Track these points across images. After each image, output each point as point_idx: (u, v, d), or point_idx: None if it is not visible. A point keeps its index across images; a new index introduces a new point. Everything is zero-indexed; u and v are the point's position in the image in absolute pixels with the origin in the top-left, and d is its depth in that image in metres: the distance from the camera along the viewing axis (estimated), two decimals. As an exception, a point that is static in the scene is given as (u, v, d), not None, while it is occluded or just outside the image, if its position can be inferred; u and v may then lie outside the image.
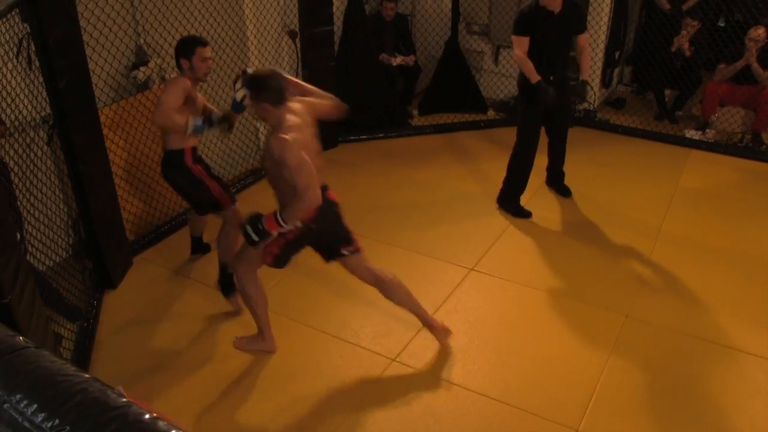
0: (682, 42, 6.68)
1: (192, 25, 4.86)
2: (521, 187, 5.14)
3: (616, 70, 7.63)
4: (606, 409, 3.29)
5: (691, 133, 6.54)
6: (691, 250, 4.65)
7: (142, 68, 4.65)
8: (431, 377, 3.53)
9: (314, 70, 5.93)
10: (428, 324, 3.67)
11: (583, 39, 4.83)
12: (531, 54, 4.63)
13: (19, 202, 3.42)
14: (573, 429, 3.18)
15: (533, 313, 4.06)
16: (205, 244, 4.61)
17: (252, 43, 5.66)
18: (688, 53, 6.73)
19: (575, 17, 4.72)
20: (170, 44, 4.73)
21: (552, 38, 4.64)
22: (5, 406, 0.89)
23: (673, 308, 4.05)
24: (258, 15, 5.66)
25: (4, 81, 3.33)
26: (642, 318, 3.96)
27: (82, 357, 3.60)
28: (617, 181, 5.70)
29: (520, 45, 4.63)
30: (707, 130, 6.49)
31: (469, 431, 3.18)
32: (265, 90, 3.08)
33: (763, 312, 4.00)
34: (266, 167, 3.30)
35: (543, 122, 4.98)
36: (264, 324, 3.64)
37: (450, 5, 6.93)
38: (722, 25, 7.27)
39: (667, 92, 7.12)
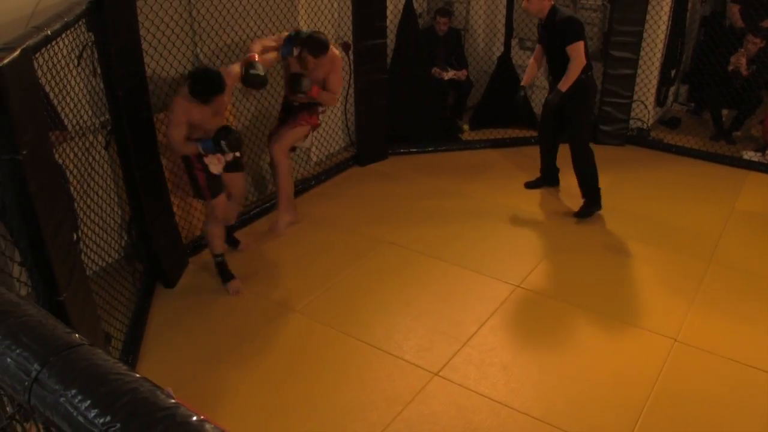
0: (740, 60, 6.52)
1: (248, 35, 4.95)
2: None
3: (672, 89, 7.49)
4: (652, 434, 3.22)
5: (750, 155, 6.37)
6: (745, 275, 4.52)
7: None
8: (473, 393, 3.50)
9: (366, 83, 5.98)
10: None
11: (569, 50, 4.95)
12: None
13: (76, 204, 3.52)
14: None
15: (579, 333, 4.00)
16: (232, 237, 4.80)
17: (306, 54, 5.73)
18: (745, 72, 6.56)
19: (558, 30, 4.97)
20: (226, 54, 4.84)
21: (546, 46, 5.13)
22: (61, 399, 0.92)
23: (725, 333, 3.94)
24: (312, 27, 5.74)
25: (68, 87, 3.44)
26: (692, 342, 3.86)
27: (131, 357, 3.68)
28: (671, 201, 5.59)
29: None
30: (767, 152, 6.32)
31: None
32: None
33: (820, 341, 3.86)
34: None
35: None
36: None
37: (503, 21, 6.92)
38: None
39: (725, 112, 6.96)
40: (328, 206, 5.49)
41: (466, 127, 7.08)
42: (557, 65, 5.06)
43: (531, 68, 5.37)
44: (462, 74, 6.81)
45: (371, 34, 5.87)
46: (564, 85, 4.94)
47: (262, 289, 4.36)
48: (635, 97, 6.75)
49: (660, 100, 7.23)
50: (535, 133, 6.95)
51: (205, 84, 3.74)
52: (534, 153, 5.84)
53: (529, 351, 3.83)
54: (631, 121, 6.83)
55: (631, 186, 5.81)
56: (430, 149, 6.62)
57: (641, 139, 6.84)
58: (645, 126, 6.93)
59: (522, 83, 5.42)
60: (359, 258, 4.71)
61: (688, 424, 3.28)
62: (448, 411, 3.37)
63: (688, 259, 4.69)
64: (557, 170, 5.76)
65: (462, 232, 5.07)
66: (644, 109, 6.93)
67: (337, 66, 4.68)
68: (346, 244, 4.91)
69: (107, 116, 3.99)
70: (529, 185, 5.82)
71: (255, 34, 5.01)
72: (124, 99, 3.86)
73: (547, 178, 5.81)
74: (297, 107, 4.77)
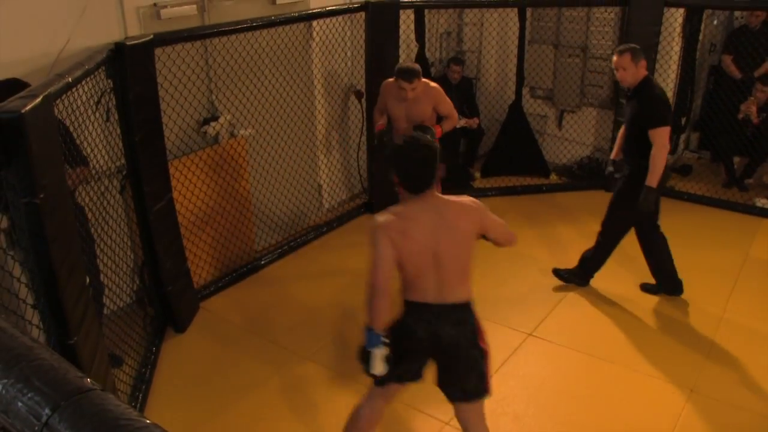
0: (750, 108, 6.55)
1: (262, 84, 5.04)
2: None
3: (683, 137, 7.52)
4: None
5: (763, 202, 6.35)
6: (761, 324, 4.46)
7: (213, 123, 4.83)
8: (485, 443, 3.44)
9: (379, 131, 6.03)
10: None
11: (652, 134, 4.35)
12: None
13: (96, 246, 3.56)
14: (633, 507, 3.05)
15: (593, 382, 3.95)
16: None
17: (320, 102, 5.82)
18: (755, 120, 6.58)
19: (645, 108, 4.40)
20: (240, 101, 4.92)
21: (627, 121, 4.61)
22: (72, 445, 0.92)
23: (741, 384, 3.88)
24: (326, 75, 5.84)
25: (86, 131, 3.51)
26: (708, 393, 3.79)
27: (139, 402, 3.66)
28: (683, 249, 5.53)
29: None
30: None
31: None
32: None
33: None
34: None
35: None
36: None
37: (515, 70, 7.01)
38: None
39: (737, 160, 6.96)
40: (339, 254, 5.49)
41: (477, 174, 7.11)
42: (627, 140, 4.55)
43: (619, 140, 4.73)
44: (474, 122, 6.87)
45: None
46: (653, 181, 4.26)
47: (275, 336, 4.34)
48: (647, 145, 6.76)
49: (672, 148, 7.24)
50: (546, 181, 6.99)
51: None
52: (548, 200, 5.82)
53: (542, 401, 3.77)
54: (643, 169, 6.83)
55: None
56: (441, 196, 6.62)
57: (653, 187, 6.83)
58: (659, 174, 6.93)
59: (612, 156, 4.85)
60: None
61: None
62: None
63: (701, 306, 4.64)
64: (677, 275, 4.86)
65: (473, 278, 5.02)
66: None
67: (437, 91, 4.69)
68: (355, 292, 4.88)
69: (123, 161, 4.05)
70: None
71: (270, 81, 5.10)
72: (140, 145, 3.92)
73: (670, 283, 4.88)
74: None
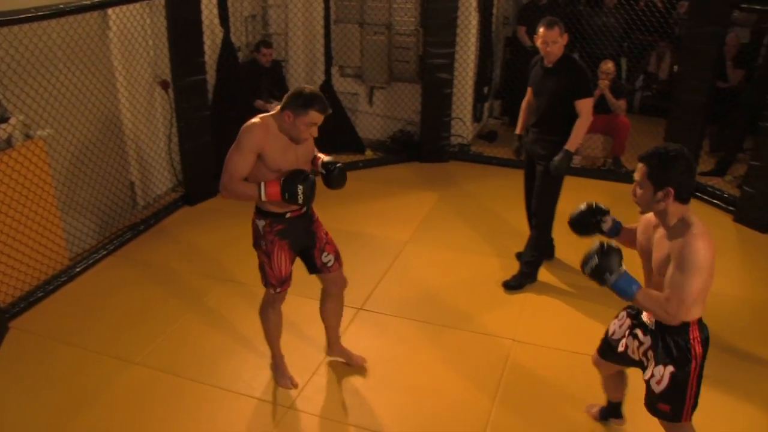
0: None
1: (57, 79, 4.68)
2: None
3: (486, 105, 7.97)
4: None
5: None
6: (574, 279, 4.88)
7: (3, 125, 4.42)
8: (328, 421, 3.50)
9: (189, 120, 5.84)
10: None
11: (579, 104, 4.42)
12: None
13: None
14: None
15: (426, 346, 4.13)
16: None
17: (123, 95, 5.52)
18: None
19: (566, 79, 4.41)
20: (34, 100, 4.54)
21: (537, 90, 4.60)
22: None
23: (554, 329, 4.24)
24: (127, 65, 5.54)
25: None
26: (527, 340, 4.12)
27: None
28: (490, 210, 5.92)
29: None
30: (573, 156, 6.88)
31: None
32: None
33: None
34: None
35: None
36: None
37: (323, 50, 7.05)
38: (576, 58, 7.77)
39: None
40: (160, 251, 5.28)
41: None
42: (549, 115, 4.48)
43: (524, 114, 4.76)
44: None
45: (190, 71, 5.75)
46: (572, 145, 4.35)
47: (99, 346, 4.10)
48: (454, 115, 7.12)
49: (477, 116, 7.68)
50: (362, 157, 7.13)
51: None
52: (365, 176, 5.94)
53: (379, 371, 3.87)
54: (452, 138, 7.19)
55: (459, 200, 6.12)
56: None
57: (463, 154, 7.23)
58: (465, 141, 7.33)
59: (516, 131, 4.85)
60: (196, 300, 4.57)
61: (534, 412, 3.49)
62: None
63: (515, 265, 4.96)
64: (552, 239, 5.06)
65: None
66: (463, 125, 7.33)
67: None
68: (182, 287, 4.75)
69: None
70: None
71: (64, 75, 4.75)
72: None
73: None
74: None
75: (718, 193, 6.23)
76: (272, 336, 3.69)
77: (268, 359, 3.86)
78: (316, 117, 3.28)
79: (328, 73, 7.11)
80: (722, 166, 6.85)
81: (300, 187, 3.21)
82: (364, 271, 4.91)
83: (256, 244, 3.46)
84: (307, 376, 3.79)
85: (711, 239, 2.42)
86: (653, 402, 2.70)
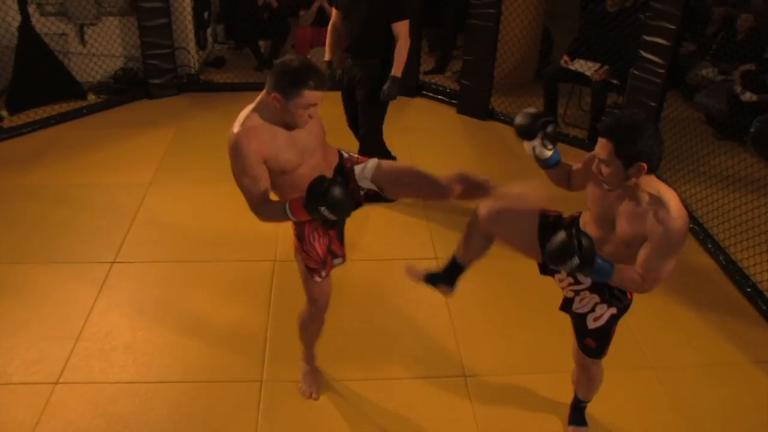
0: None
1: None
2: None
3: (210, 30, 7.70)
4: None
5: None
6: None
7: None
8: (105, 385, 3.30)
9: None
10: None
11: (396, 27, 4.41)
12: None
13: None
14: (257, 381, 3.33)
15: (186, 287, 4.04)
16: None
17: None
18: (275, 4, 7.17)
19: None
20: None
21: (347, 14, 4.45)
22: None
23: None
24: None
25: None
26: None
27: None
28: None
29: None
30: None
31: (160, 422, 3.09)
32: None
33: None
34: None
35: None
36: None
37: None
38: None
39: (262, 43, 7.47)
40: None
41: (5, 113, 6.31)
42: (364, 39, 4.38)
43: (331, 38, 4.60)
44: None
45: None
46: (399, 71, 4.34)
47: None
48: (176, 45, 6.77)
49: (201, 44, 7.39)
50: (85, 103, 6.56)
51: None
52: (92, 122, 5.51)
53: (147, 321, 3.72)
54: (179, 69, 6.87)
55: (197, 132, 5.93)
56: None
57: (193, 85, 6.97)
58: (193, 71, 7.06)
59: (325, 58, 4.63)
60: None
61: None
62: (85, 413, 3.13)
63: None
64: None
65: (37, 227, 4.58)
66: (188, 54, 7.02)
67: None
68: None
69: None
70: None
71: None
72: None
73: None
74: None
75: (441, 89, 6.76)
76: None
77: (21, 337, 3.53)
78: (313, 96, 2.44)
79: (24, 11, 6.24)
80: (441, 64, 7.40)
81: (322, 209, 2.37)
82: (110, 221, 4.61)
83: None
84: (71, 345, 3.52)
85: (686, 212, 2.27)
86: (582, 336, 2.71)
